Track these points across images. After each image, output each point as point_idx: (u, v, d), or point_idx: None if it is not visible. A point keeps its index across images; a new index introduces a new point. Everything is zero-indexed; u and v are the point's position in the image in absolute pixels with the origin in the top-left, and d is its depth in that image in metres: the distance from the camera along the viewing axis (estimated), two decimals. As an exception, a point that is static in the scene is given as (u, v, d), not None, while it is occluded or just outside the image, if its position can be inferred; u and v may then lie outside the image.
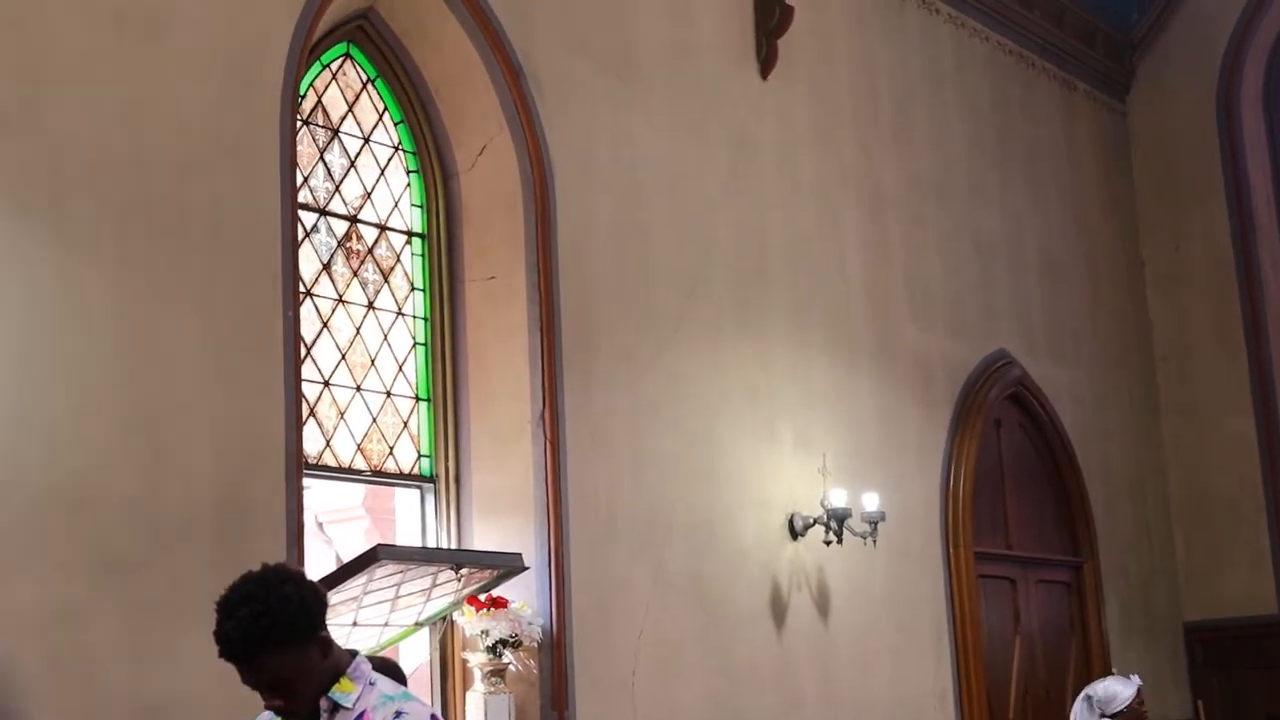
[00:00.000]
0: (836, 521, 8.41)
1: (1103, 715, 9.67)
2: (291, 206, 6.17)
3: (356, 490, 7.51)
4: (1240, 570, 11.79)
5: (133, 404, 5.49)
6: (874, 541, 8.60)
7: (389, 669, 5.27)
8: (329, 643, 3.60)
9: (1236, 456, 11.89)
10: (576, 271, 7.36)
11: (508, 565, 6.76)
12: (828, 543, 8.42)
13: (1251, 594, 11.71)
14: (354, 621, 6.55)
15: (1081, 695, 9.71)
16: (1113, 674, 9.83)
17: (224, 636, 3.47)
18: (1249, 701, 11.53)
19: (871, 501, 8.60)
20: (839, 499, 8.43)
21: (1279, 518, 11.76)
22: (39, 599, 5.12)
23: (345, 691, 3.61)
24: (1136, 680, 9.69)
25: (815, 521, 8.41)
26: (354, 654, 3.71)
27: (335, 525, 8.88)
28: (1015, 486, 10.45)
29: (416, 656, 6.94)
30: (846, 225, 9.32)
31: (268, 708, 3.66)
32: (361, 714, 3.60)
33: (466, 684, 6.86)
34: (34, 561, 5.14)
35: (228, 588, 3.50)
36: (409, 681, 5.33)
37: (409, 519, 7.13)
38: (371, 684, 3.64)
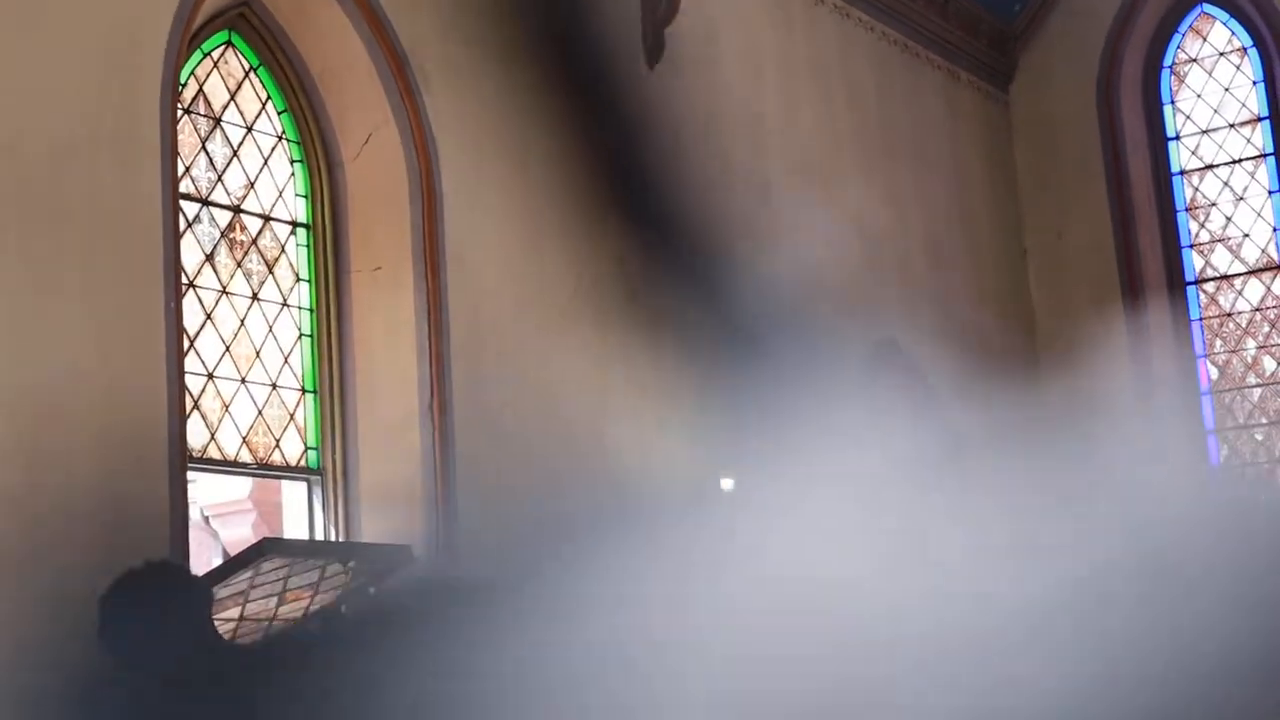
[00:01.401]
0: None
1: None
2: (173, 196, 6.08)
3: (243, 484, 7.43)
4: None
5: (10, 396, 5.39)
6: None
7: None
8: None
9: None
10: (464, 262, 7.31)
11: (396, 558, 6.71)
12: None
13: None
14: (241, 616, 6.47)
15: None
16: None
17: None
18: None
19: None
20: (729, 487, 8.44)
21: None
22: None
23: None
24: None
25: (705, 510, 8.41)
26: None
27: (221, 519, 8.78)
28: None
29: (305, 651, 6.85)
30: (734, 216, 9.33)
31: None
32: None
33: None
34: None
35: (110, 584, 3.44)
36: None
37: (297, 512, 7.06)
38: None
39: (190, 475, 6.57)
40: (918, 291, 10.99)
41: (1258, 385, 12.16)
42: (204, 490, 7.43)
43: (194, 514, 7.60)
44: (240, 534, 8.51)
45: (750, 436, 8.23)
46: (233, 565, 6.17)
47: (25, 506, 5.36)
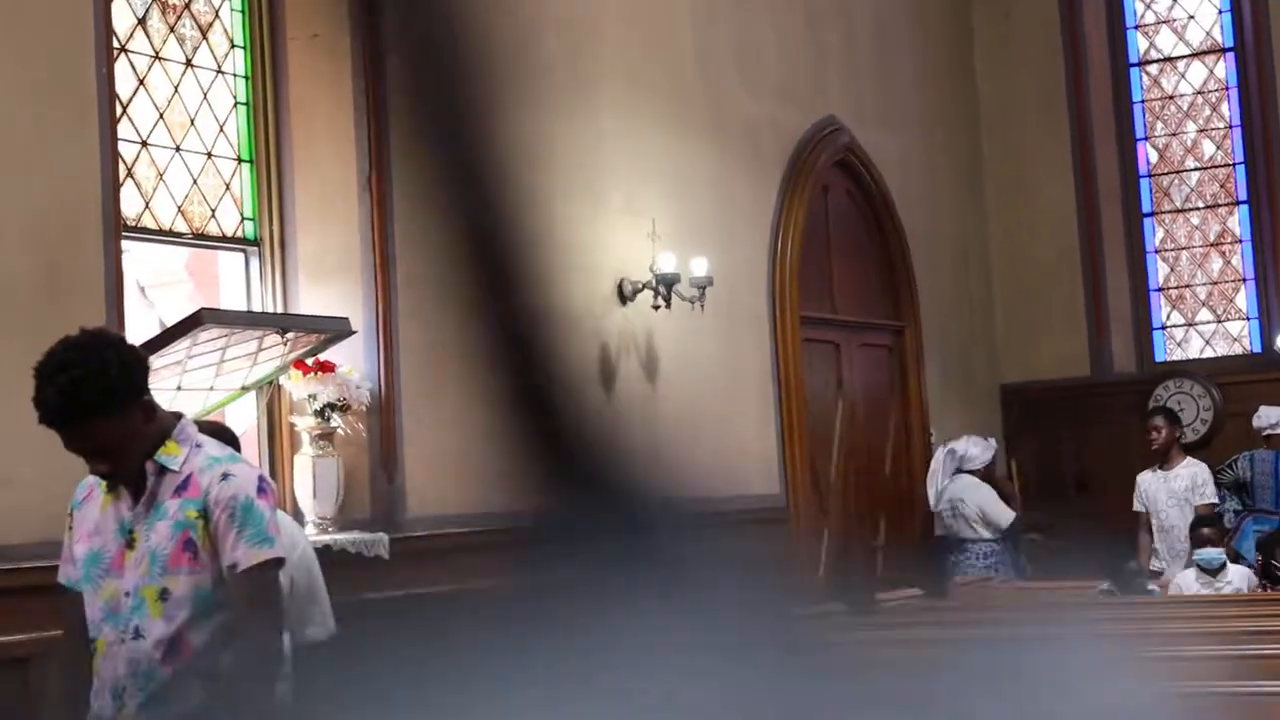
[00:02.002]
0: (665, 286, 8.46)
1: (960, 470, 10.09)
2: (103, -42, 5.92)
3: (180, 254, 7.35)
4: (1056, 334, 12.16)
5: (-61, 163, 5.30)
6: (702, 306, 8.68)
7: (219, 433, 5.22)
8: (152, 407, 3.58)
9: (1056, 224, 12.17)
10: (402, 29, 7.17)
11: (334, 329, 6.72)
12: (656, 308, 8.48)
13: (1066, 357, 12.09)
14: (178, 386, 6.48)
15: (946, 448, 10.13)
16: (975, 436, 10.25)
17: (43, 403, 3.45)
18: (1059, 461, 11.97)
19: (700, 266, 8.65)
20: (667, 264, 8.47)
21: (1095, 284, 12.10)
22: None
23: (171, 454, 3.61)
24: (993, 444, 10.12)
25: (644, 286, 8.45)
26: (179, 416, 3.69)
27: (158, 290, 8.71)
28: (842, 252, 10.58)
29: (244, 420, 6.89)
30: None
31: (93, 473, 3.63)
32: (188, 476, 3.61)
33: (295, 448, 6.85)
34: None
35: (45, 354, 3.45)
36: (241, 448, 5.29)
37: (234, 283, 7.03)
38: (198, 446, 3.65)
39: (125, 245, 6.51)
40: (861, 70, 10.92)
41: (1195, 169, 12.22)
42: (140, 261, 7.35)
43: (130, 285, 7.52)
44: (178, 306, 8.46)
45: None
46: (169, 335, 6.16)
47: (-42, 274, 5.30)
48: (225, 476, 3.60)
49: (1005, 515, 9.88)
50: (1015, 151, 12.34)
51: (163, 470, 3.61)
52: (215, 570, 3.58)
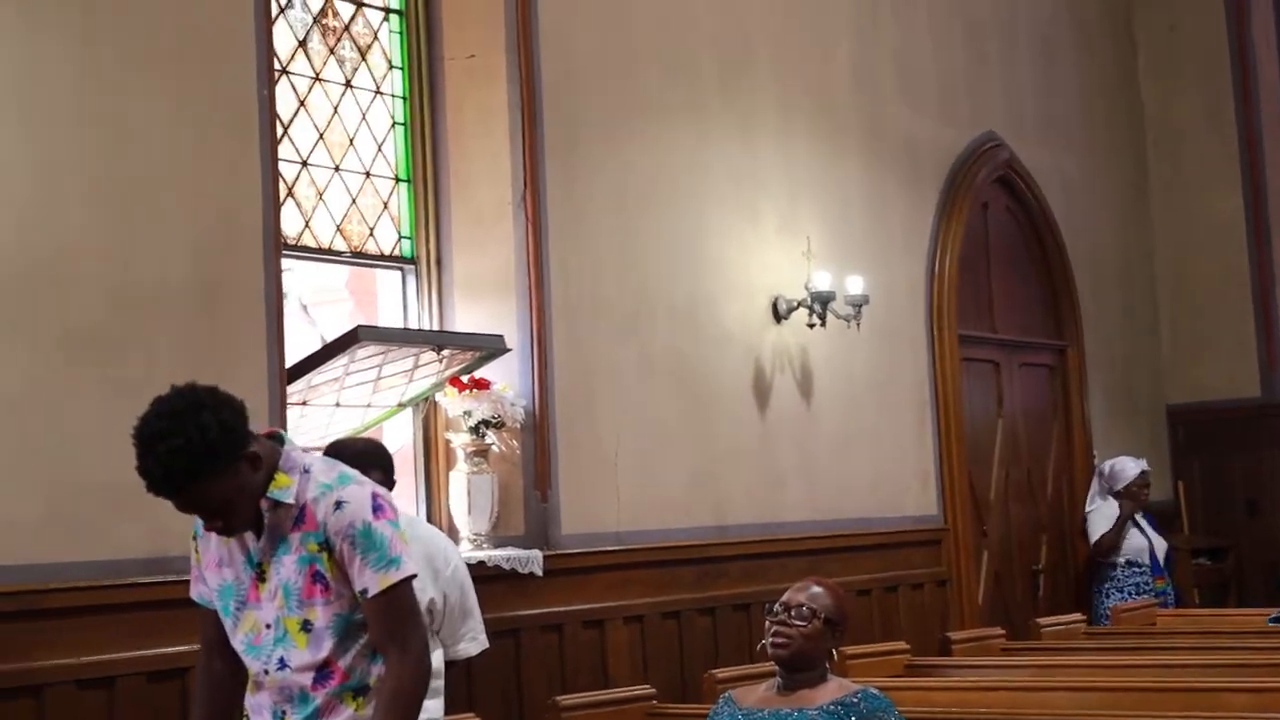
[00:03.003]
0: (820, 304, 8.40)
1: (1110, 490, 9.93)
2: (265, -18, 6.03)
3: (341, 273, 7.46)
4: (1224, 354, 11.85)
5: (104, 187, 5.41)
6: (858, 324, 8.61)
7: (374, 449, 5.30)
8: (257, 455, 3.48)
9: (1224, 241, 11.87)
10: (559, 50, 7.23)
11: (489, 347, 6.78)
12: (811, 325, 8.42)
13: (1235, 377, 11.78)
14: (337, 403, 6.58)
15: (1097, 470, 10.04)
16: (1127, 455, 10.09)
17: (148, 474, 3.38)
18: (1229, 484, 11.67)
19: (856, 284, 8.58)
20: (823, 281, 8.41)
21: (1264, 302, 11.78)
22: (12, 379, 5.11)
23: (283, 487, 3.53)
24: (1143, 463, 9.93)
25: (799, 304, 8.40)
26: (279, 439, 3.60)
27: (319, 307, 8.84)
28: (1001, 270, 10.43)
29: (401, 437, 6.97)
30: (834, 2, 9.15)
31: (209, 529, 3.60)
32: (303, 507, 3.54)
33: (450, 464, 6.90)
34: (6, 342, 5.11)
35: (140, 419, 3.38)
36: (394, 462, 5.35)
37: (391, 301, 7.11)
38: (306, 471, 3.57)
39: (286, 263, 6.61)
40: (1021, 85, 10.77)
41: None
42: (301, 279, 7.47)
43: (292, 303, 7.65)
44: (338, 323, 8.58)
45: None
46: (327, 352, 6.26)
47: (121, 296, 5.41)
48: (339, 505, 3.52)
49: (1091, 534, 9.80)
50: (1181, 166, 12.07)
51: (277, 505, 3.54)
52: (351, 595, 3.55)
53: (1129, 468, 10.01)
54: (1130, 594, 9.54)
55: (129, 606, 5.27)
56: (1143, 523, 9.87)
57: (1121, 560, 9.71)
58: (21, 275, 5.16)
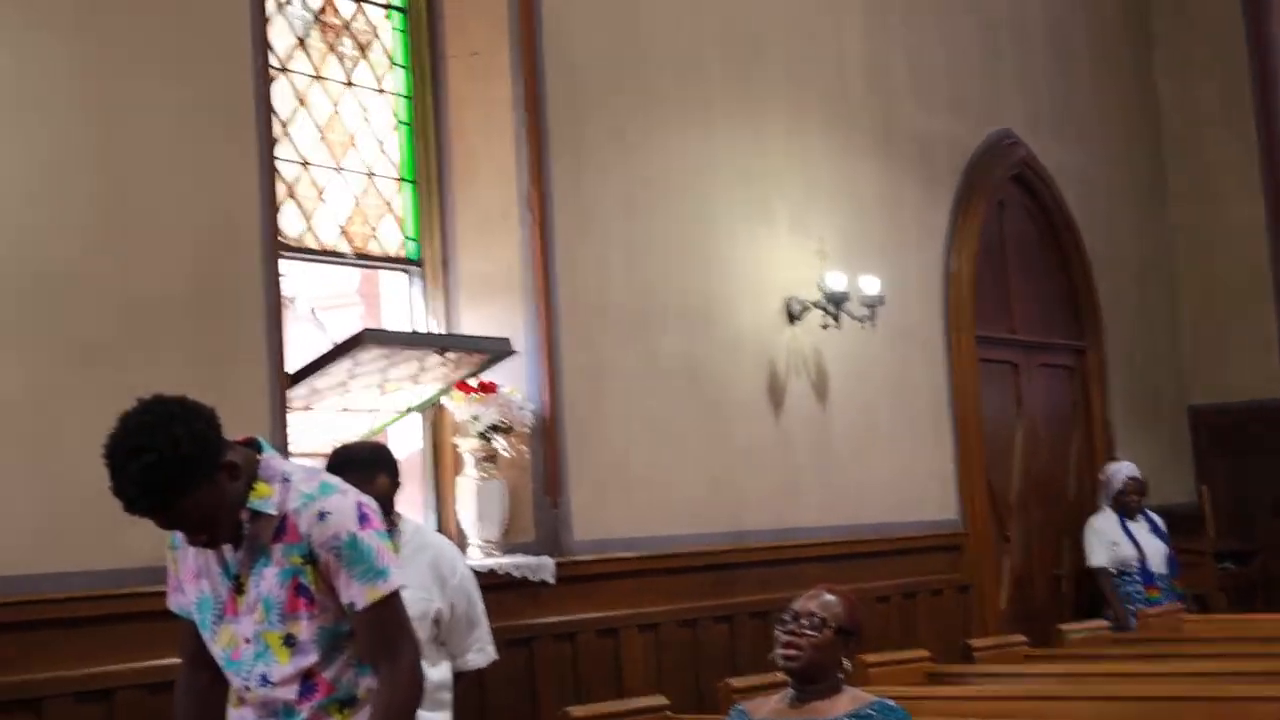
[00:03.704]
0: (834, 304, 8.26)
1: (1107, 495, 9.73)
2: (262, -22, 5.91)
3: (352, 277, 7.33)
4: (1246, 355, 11.67)
5: (101, 187, 5.29)
6: (873, 325, 8.47)
7: (380, 453, 5.17)
8: (234, 464, 3.34)
9: (1245, 238, 11.70)
10: (563, 48, 7.10)
11: (495, 349, 6.65)
12: (825, 326, 8.28)
13: (1257, 378, 11.60)
14: (343, 407, 6.45)
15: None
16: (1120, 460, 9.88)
17: (122, 495, 3.24)
18: (1253, 486, 11.49)
19: (870, 284, 8.44)
20: (837, 282, 8.27)
21: (1286, 302, 11.62)
22: (12, 387, 5.00)
23: (263, 497, 3.39)
24: (1132, 467, 9.69)
25: (812, 305, 8.26)
26: (256, 446, 3.44)
27: (329, 312, 8.72)
28: (1019, 269, 10.28)
29: (408, 442, 6.83)
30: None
31: (192, 544, 3.44)
32: (284, 518, 3.39)
33: (458, 469, 6.76)
34: (6, 349, 4.99)
35: (110, 436, 3.23)
36: (401, 467, 5.22)
37: (397, 304, 6.98)
38: (286, 480, 3.42)
39: (292, 266, 6.51)
40: (1036, 81, 10.64)
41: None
42: (310, 283, 7.35)
43: (301, 307, 7.54)
44: (349, 328, 8.46)
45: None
46: (332, 356, 6.13)
47: (119, 297, 5.29)
48: (322, 516, 3.38)
49: (1088, 556, 9.57)
50: (1200, 164, 11.90)
51: (256, 515, 3.39)
52: (336, 607, 3.41)
53: (1118, 472, 9.79)
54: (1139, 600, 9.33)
55: (129, 617, 5.14)
56: (1135, 529, 9.60)
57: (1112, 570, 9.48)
58: (21, 281, 5.05)
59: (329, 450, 5.20)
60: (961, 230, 9.63)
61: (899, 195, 9.22)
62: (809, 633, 4.12)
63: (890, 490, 8.84)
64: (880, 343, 8.72)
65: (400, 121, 6.91)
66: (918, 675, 6.51)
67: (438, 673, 5.17)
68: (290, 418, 5.83)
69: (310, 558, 3.39)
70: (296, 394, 6.02)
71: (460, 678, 5.34)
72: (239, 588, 3.45)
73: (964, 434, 9.40)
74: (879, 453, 8.78)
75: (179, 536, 3.50)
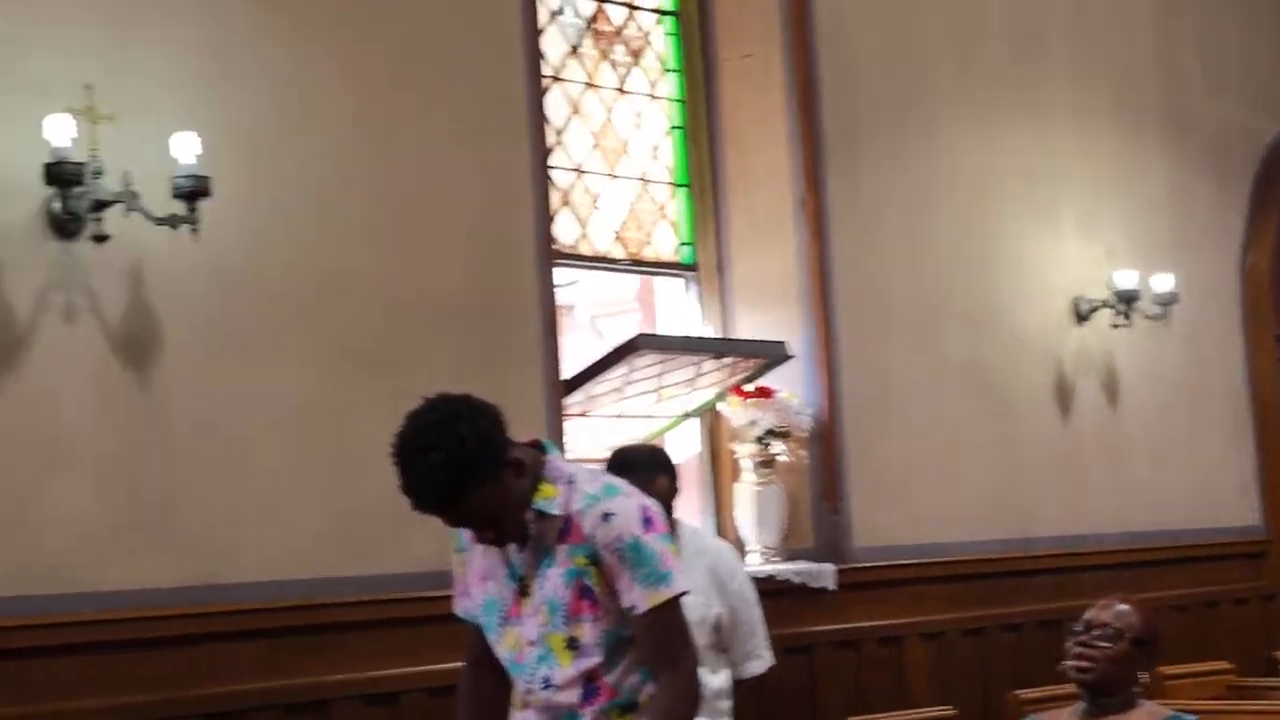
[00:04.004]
0: (1125, 304, 7.97)
1: None
2: (535, -11, 5.96)
3: (629, 283, 7.36)
4: None
5: (377, 196, 5.40)
6: (1167, 324, 8.15)
7: (658, 455, 5.15)
8: (519, 461, 3.34)
9: None
10: (837, 47, 7.00)
11: (772, 354, 6.59)
12: (1115, 326, 8.00)
13: None
14: (619, 414, 6.46)
15: None
16: None
17: (411, 493, 3.26)
18: None
19: (1163, 282, 8.12)
20: (1128, 280, 7.98)
21: None
22: (295, 394, 5.12)
23: (548, 498, 3.37)
24: None
25: (1101, 304, 7.98)
26: (541, 447, 3.44)
27: (608, 319, 8.77)
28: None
29: (685, 448, 6.81)
30: (1131, -15, 8.74)
31: (479, 541, 3.46)
32: (568, 519, 3.37)
33: (736, 475, 6.71)
34: (289, 356, 5.13)
35: (398, 435, 3.26)
36: (679, 472, 5.18)
37: (673, 309, 6.97)
38: (571, 481, 3.40)
39: (570, 275, 6.57)
40: None
41: None
42: (589, 291, 7.40)
43: (580, 315, 7.59)
44: (626, 334, 8.49)
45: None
46: (607, 362, 6.14)
47: (397, 304, 5.39)
48: (606, 517, 3.34)
49: None
50: None
51: (542, 515, 3.38)
52: (619, 611, 3.37)
53: None
54: None
55: (411, 621, 5.22)
56: None
57: None
58: (301, 290, 5.18)
59: (606, 455, 5.19)
60: (1258, 224, 9.22)
61: (1191, 191, 8.87)
62: (1102, 644, 3.94)
63: (1187, 495, 8.49)
64: (1175, 342, 8.39)
65: (673, 126, 6.89)
66: (1219, 688, 6.26)
67: (717, 680, 5.12)
68: (566, 424, 5.86)
69: (594, 559, 3.36)
70: (572, 400, 6.04)
71: (739, 685, 5.28)
72: (524, 590, 3.43)
73: (1265, 436, 8.99)
74: (1175, 456, 8.44)
75: (465, 539, 3.51)
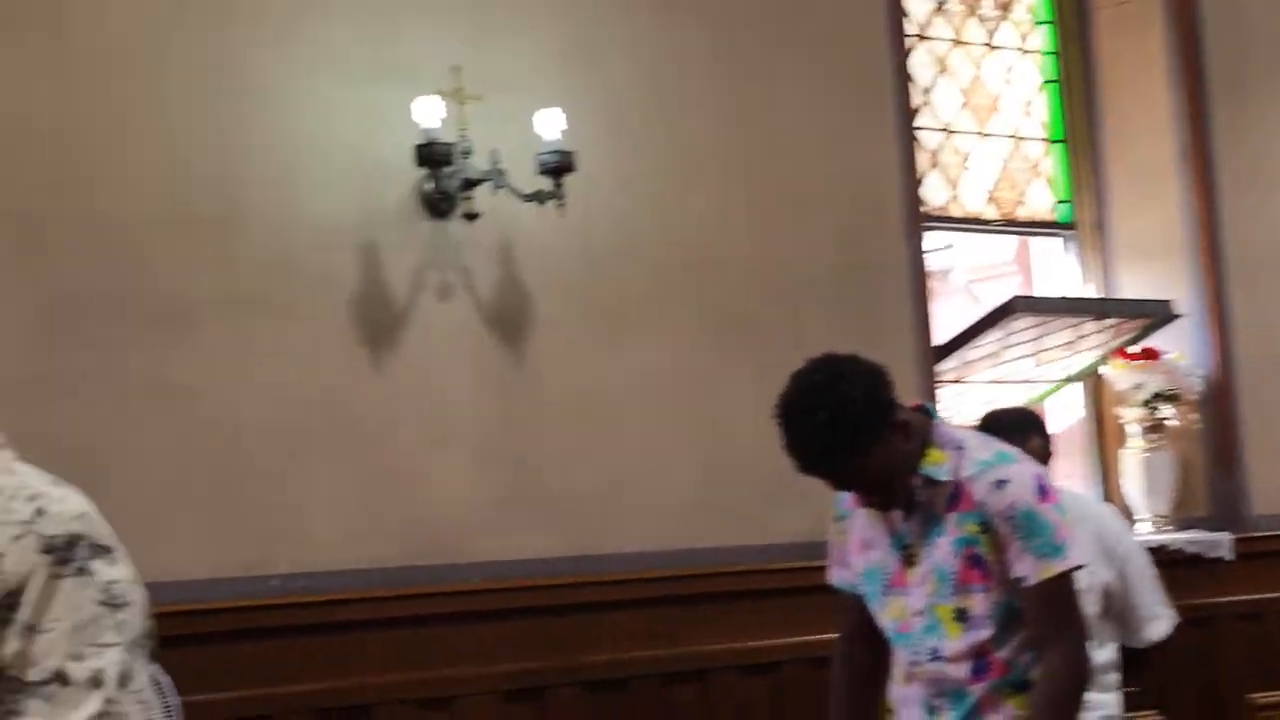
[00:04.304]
0: None
1: None
2: (895, -52, 5.84)
3: (1006, 246, 7.15)
4: None
5: (741, 164, 5.39)
6: None
7: (1030, 416, 4.95)
8: (906, 423, 3.21)
9: None
10: (1222, -13, 6.65)
11: (1157, 313, 6.31)
12: None
13: None
14: (996, 379, 6.29)
15: None
16: None
17: (796, 453, 3.17)
18: None
19: None
20: None
21: None
22: (664, 364, 5.16)
23: (936, 463, 3.23)
24: None
25: None
26: (926, 412, 3.31)
27: (985, 283, 8.56)
28: None
29: (1067, 413, 6.58)
30: None
31: (865, 505, 3.37)
32: (958, 486, 3.23)
33: (1121, 441, 6.45)
34: (658, 327, 5.16)
35: (782, 396, 3.17)
36: (1054, 440, 4.99)
37: (1050, 270, 6.74)
38: (960, 447, 3.26)
39: (943, 236, 6.42)
40: None
41: None
42: (965, 255, 7.22)
43: (957, 279, 7.43)
44: (1004, 298, 8.27)
45: None
46: (981, 326, 5.99)
47: (763, 273, 5.38)
48: (1000, 484, 3.20)
49: None
50: None
51: (930, 481, 3.25)
52: (1009, 581, 3.23)
53: None
54: None
55: (779, 592, 5.18)
56: None
57: None
58: (669, 261, 5.21)
59: (979, 417, 5.05)
60: None
61: None
62: None
63: None
64: None
65: (1047, 80, 6.66)
66: None
67: (1105, 654, 4.90)
68: (940, 391, 5.72)
69: (986, 527, 3.23)
70: (946, 366, 5.91)
71: (1142, 655, 5.04)
72: (909, 559, 3.32)
73: None
74: None
75: (846, 505, 3.43)
